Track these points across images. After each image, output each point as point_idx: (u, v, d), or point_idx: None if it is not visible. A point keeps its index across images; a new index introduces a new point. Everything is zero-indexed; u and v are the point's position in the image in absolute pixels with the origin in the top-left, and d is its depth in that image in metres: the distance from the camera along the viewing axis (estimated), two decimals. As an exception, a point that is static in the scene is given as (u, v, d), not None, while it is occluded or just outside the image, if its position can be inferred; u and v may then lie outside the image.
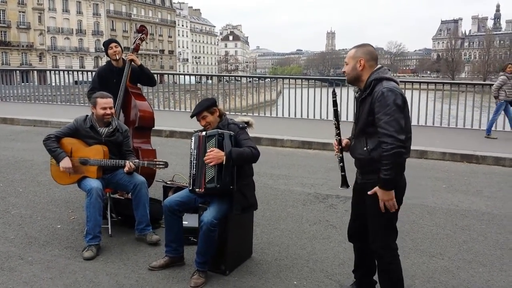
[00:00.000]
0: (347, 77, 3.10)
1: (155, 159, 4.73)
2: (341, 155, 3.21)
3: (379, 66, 3.03)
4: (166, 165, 4.36)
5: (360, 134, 3.04)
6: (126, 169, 4.30)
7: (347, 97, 11.84)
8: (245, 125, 3.89)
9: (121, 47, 5.54)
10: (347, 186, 3.26)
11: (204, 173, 3.64)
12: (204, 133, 3.72)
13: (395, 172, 2.85)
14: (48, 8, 67.72)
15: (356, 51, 3.04)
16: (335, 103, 3.32)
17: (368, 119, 2.94)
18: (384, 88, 2.85)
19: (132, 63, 5.38)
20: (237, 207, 3.70)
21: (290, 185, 6.53)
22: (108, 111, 4.37)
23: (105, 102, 4.37)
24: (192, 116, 3.88)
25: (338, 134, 3.23)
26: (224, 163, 3.56)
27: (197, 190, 3.69)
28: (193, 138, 3.76)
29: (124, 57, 5.55)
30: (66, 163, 4.28)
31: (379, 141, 2.88)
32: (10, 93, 16.47)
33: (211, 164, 3.57)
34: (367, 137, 2.99)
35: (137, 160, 4.46)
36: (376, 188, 2.93)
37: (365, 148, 2.99)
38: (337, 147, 3.22)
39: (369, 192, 2.98)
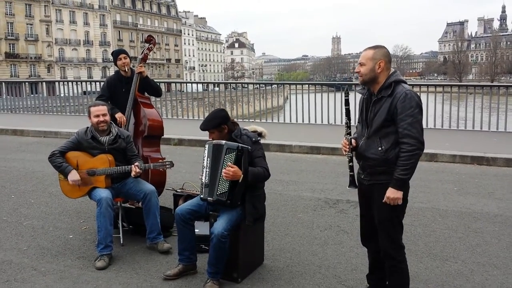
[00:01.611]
0: (362, 78, 3.06)
1: (160, 160, 4.75)
2: (351, 154, 3.20)
3: (393, 69, 3.05)
4: (171, 164, 4.41)
5: (374, 134, 3.04)
6: (133, 173, 4.32)
7: (355, 101, 11.83)
8: (258, 137, 3.87)
9: (129, 57, 5.60)
10: (356, 186, 3.26)
11: (217, 184, 3.64)
12: (223, 142, 3.66)
13: (411, 173, 2.93)
14: (55, 20, 68.35)
15: (375, 52, 3.02)
16: (347, 102, 3.31)
17: (386, 120, 2.95)
18: (408, 90, 2.93)
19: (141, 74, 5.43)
20: (249, 219, 3.73)
21: (300, 190, 6.52)
22: (101, 118, 4.39)
23: (97, 109, 4.40)
24: (202, 130, 3.83)
25: (350, 134, 3.23)
26: (239, 181, 3.57)
27: (208, 198, 3.70)
28: (207, 146, 3.75)
29: (132, 67, 5.60)
30: (73, 176, 4.30)
31: (395, 141, 2.94)
32: (19, 104, 16.61)
33: (228, 179, 3.56)
34: (382, 137, 3.00)
35: (143, 165, 4.48)
36: (388, 188, 2.96)
37: (380, 148, 3.00)
38: (347, 146, 3.20)
39: (385, 200, 2.99)
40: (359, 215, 5.08)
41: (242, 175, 3.56)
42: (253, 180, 3.65)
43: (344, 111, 3.33)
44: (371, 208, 3.19)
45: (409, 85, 3.10)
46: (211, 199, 3.69)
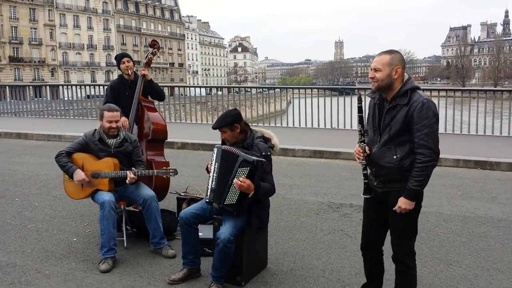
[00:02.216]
0: (378, 84, 2.94)
1: (164, 167, 4.76)
2: (365, 162, 3.10)
3: (406, 75, 2.99)
4: (175, 172, 4.41)
5: (388, 142, 2.96)
6: (128, 180, 4.31)
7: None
8: (269, 151, 3.81)
9: (132, 61, 5.62)
10: (371, 194, 3.16)
11: (226, 193, 3.60)
12: (238, 152, 3.55)
13: (425, 184, 2.89)
14: (59, 24, 68.69)
15: (392, 58, 2.92)
16: (360, 109, 3.19)
17: (401, 129, 2.89)
18: (425, 99, 2.86)
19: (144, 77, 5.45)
20: (254, 229, 3.76)
21: (303, 194, 6.52)
22: (114, 125, 4.42)
23: (111, 115, 4.42)
24: (213, 129, 3.81)
25: (364, 141, 3.11)
26: (249, 196, 3.56)
27: (214, 205, 3.70)
28: (215, 150, 3.70)
29: (136, 71, 5.63)
30: (79, 175, 4.33)
31: (410, 150, 2.90)
32: (23, 108, 16.68)
33: (238, 189, 3.52)
34: (396, 146, 2.94)
35: (146, 171, 4.49)
36: (400, 198, 2.92)
37: (395, 157, 2.94)
38: (361, 154, 3.09)
39: (396, 209, 2.96)
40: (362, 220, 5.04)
41: (253, 191, 3.54)
42: (262, 196, 3.66)
43: (357, 118, 3.22)
44: (382, 214, 3.14)
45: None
46: (217, 206, 3.67)
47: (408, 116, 2.86)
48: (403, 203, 2.92)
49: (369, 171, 3.16)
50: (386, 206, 3.09)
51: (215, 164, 3.68)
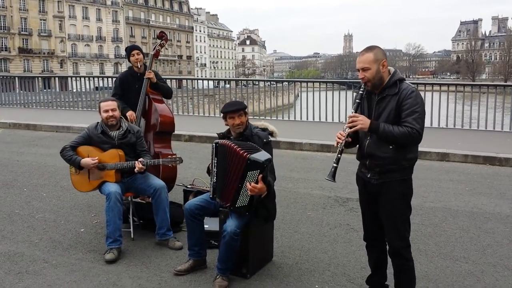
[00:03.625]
0: (371, 82, 2.99)
1: (169, 156, 4.77)
2: (343, 147, 3.08)
3: (389, 67, 3.06)
4: (180, 160, 4.45)
5: None
6: (136, 169, 4.34)
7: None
8: (269, 138, 3.84)
9: (143, 53, 5.61)
10: (334, 180, 3.16)
11: (233, 192, 3.56)
12: (245, 153, 3.47)
13: (388, 138, 2.93)
14: (68, 16, 68.85)
15: (375, 54, 3.00)
16: (361, 96, 3.13)
17: (394, 117, 2.96)
18: (413, 88, 3.00)
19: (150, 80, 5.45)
20: (260, 220, 3.77)
21: (310, 188, 6.51)
22: (110, 113, 4.45)
23: (106, 104, 4.48)
24: (229, 112, 3.74)
25: (350, 128, 3.03)
26: (261, 196, 3.58)
27: (222, 204, 3.70)
28: (213, 146, 3.67)
29: (145, 63, 5.63)
30: (86, 161, 4.37)
31: None
32: (32, 99, 16.77)
33: (251, 194, 3.50)
34: None
35: (152, 160, 4.51)
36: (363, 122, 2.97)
37: (390, 146, 2.98)
38: (342, 138, 3.05)
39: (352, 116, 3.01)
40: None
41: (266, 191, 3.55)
42: (269, 192, 3.67)
43: (355, 104, 3.14)
44: (376, 206, 3.17)
45: (421, 83, 3.09)
46: (225, 205, 3.65)
47: (399, 103, 2.95)
48: (362, 118, 2.98)
49: (340, 156, 3.12)
50: (379, 199, 3.12)
51: (214, 160, 3.67)
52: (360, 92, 3.13)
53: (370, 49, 3.03)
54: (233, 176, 3.57)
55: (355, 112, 3.10)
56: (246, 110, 3.82)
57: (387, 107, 3.00)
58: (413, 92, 2.95)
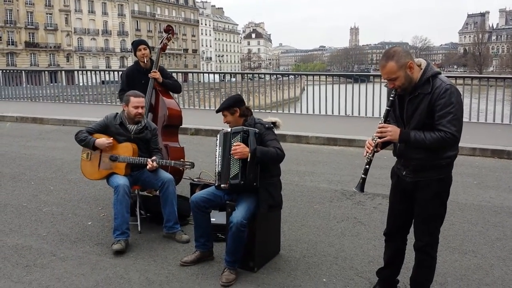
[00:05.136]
0: (401, 88, 2.84)
1: (182, 160, 4.78)
2: (372, 158, 2.98)
3: (421, 61, 2.89)
4: (192, 165, 4.43)
5: None
6: (148, 167, 4.34)
7: (373, 93, 11.73)
8: (272, 125, 3.88)
9: (149, 48, 5.59)
10: (363, 191, 3.09)
11: (228, 169, 3.69)
12: (229, 130, 3.77)
13: (422, 147, 2.82)
14: (74, 10, 68.89)
15: (397, 60, 2.78)
16: (392, 104, 2.98)
17: (427, 118, 2.81)
18: (448, 85, 2.77)
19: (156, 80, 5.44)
20: (263, 206, 3.72)
21: (317, 182, 6.49)
22: (140, 110, 4.46)
23: (137, 101, 4.45)
24: (216, 112, 3.99)
25: (380, 138, 2.94)
26: (248, 159, 3.59)
27: (222, 186, 3.75)
28: (218, 136, 3.85)
29: (151, 58, 5.61)
30: (101, 140, 4.39)
31: None
32: (39, 93, 16.82)
33: (236, 157, 3.61)
34: None
35: (164, 160, 4.50)
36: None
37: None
38: (371, 149, 2.95)
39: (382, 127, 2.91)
40: (377, 207, 5.04)
41: (250, 153, 3.59)
42: (263, 156, 3.62)
43: (385, 111, 3.00)
44: (409, 204, 3.09)
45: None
46: (225, 185, 3.72)
47: (431, 104, 2.78)
48: (391, 129, 2.88)
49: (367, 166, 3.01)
50: (413, 196, 3.04)
51: (218, 149, 3.82)
52: (391, 98, 2.96)
53: (389, 57, 2.80)
54: (227, 155, 3.71)
55: (385, 120, 2.97)
56: (233, 109, 3.83)
57: (419, 107, 2.83)
58: (447, 90, 2.74)
